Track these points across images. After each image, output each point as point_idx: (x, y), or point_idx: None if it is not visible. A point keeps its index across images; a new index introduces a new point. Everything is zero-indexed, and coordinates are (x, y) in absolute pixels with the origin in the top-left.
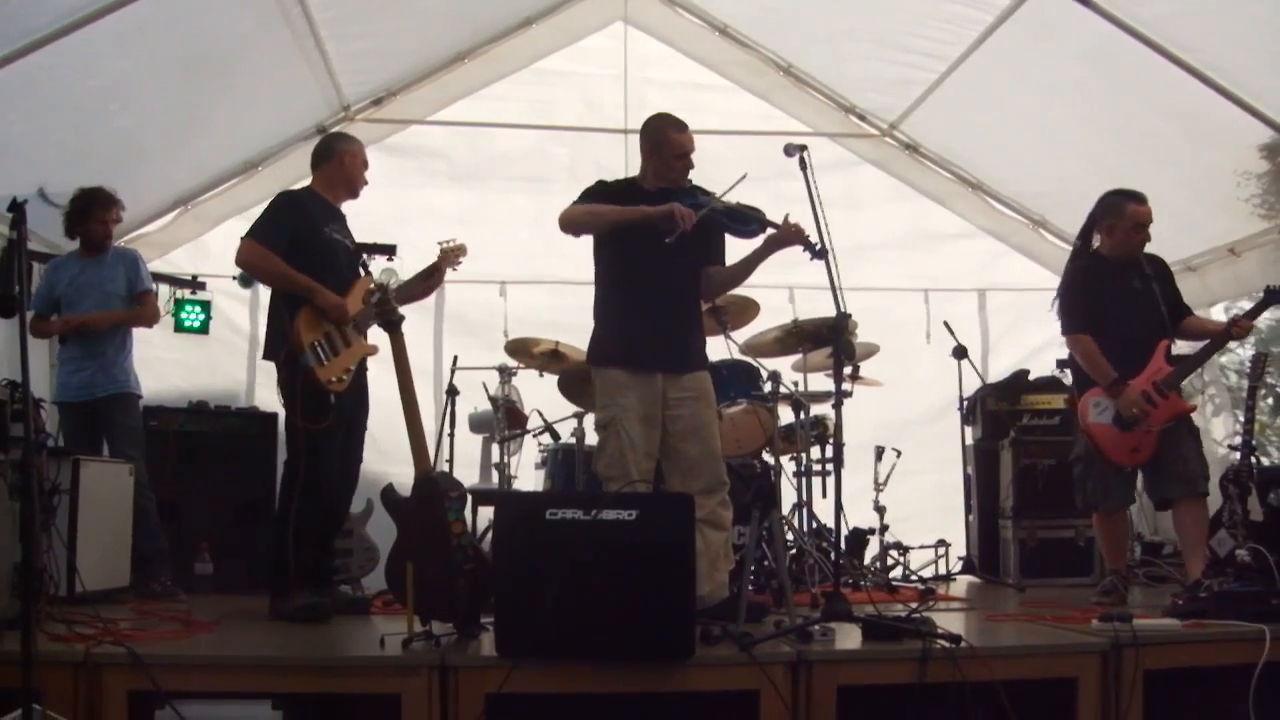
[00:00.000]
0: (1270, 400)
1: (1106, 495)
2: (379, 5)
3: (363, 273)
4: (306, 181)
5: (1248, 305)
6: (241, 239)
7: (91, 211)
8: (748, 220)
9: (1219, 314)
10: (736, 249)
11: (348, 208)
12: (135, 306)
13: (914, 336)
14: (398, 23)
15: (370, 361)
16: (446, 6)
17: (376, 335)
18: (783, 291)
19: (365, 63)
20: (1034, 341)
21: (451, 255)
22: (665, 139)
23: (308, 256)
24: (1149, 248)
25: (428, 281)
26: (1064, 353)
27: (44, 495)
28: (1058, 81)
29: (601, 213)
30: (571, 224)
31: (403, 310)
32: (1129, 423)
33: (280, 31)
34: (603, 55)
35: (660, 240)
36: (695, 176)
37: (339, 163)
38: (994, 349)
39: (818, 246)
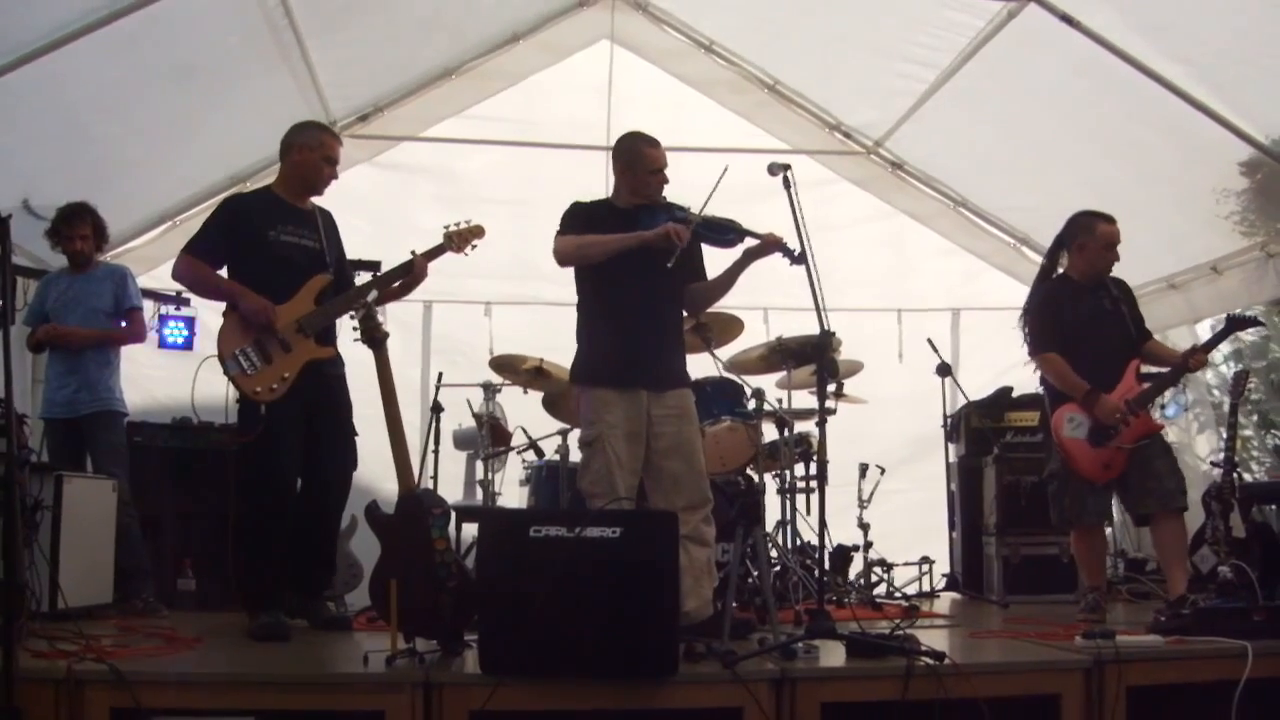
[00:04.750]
0: (1255, 417)
1: (1082, 511)
2: (365, 17)
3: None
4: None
5: (1239, 313)
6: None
7: (60, 230)
8: (726, 230)
9: (1204, 330)
10: (717, 262)
11: (338, 215)
12: (121, 324)
13: (886, 355)
14: (384, 35)
15: (355, 378)
16: (433, 21)
17: (361, 352)
18: (758, 313)
19: (352, 74)
20: (1006, 360)
21: (460, 238)
22: (639, 155)
23: (251, 261)
24: (1119, 268)
25: (425, 259)
26: None
27: (26, 511)
28: (1043, 99)
29: (597, 243)
30: (568, 258)
31: (388, 329)
32: (1102, 438)
33: (266, 45)
34: (588, 74)
35: (643, 257)
36: (676, 196)
37: (291, 159)
38: (965, 367)
39: (796, 252)
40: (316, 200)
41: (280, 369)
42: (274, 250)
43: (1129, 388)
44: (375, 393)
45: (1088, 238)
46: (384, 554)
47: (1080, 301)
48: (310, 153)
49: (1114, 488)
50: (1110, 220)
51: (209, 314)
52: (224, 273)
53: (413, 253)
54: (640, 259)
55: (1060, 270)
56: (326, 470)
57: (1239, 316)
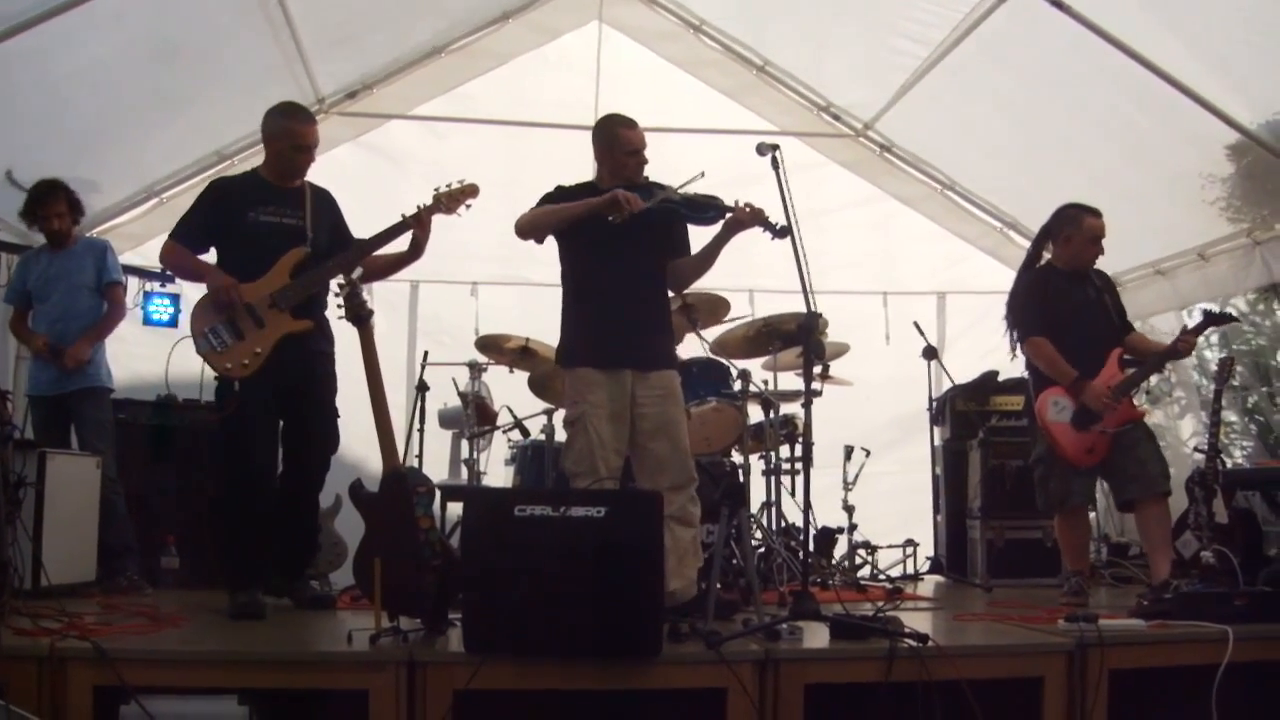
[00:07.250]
0: (1241, 400)
1: (1068, 494)
2: None
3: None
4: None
5: (1216, 310)
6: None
7: (36, 211)
8: (705, 208)
9: (1189, 318)
10: (699, 240)
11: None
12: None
13: (872, 338)
14: (373, 12)
15: (341, 356)
16: None
17: (346, 330)
18: (743, 294)
19: (340, 51)
20: (991, 344)
21: (450, 199)
22: (616, 137)
23: (230, 242)
24: (1107, 253)
25: (417, 228)
26: None
27: (9, 488)
28: (1032, 82)
29: (549, 211)
30: (525, 230)
31: (373, 308)
32: (1086, 422)
33: (255, 20)
34: (578, 55)
35: (623, 237)
36: (662, 176)
37: (268, 148)
38: (950, 351)
39: (778, 225)
40: (317, 182)
41: (253, 345)
42: (251, 230)
43: (1112, 374)
44: (360, 371)
45: (1074, 230)
46: (368, 533)
47: (1064, 291)
48: (278, 143)
49: (1099, 473)
50: (1097, 214)
51: (195, 291)
52: (212, 255)
53: (418, 206)
54: (620, 238)
55: (1045, 260)
56: (306, 451)
57: (1214, 314)
